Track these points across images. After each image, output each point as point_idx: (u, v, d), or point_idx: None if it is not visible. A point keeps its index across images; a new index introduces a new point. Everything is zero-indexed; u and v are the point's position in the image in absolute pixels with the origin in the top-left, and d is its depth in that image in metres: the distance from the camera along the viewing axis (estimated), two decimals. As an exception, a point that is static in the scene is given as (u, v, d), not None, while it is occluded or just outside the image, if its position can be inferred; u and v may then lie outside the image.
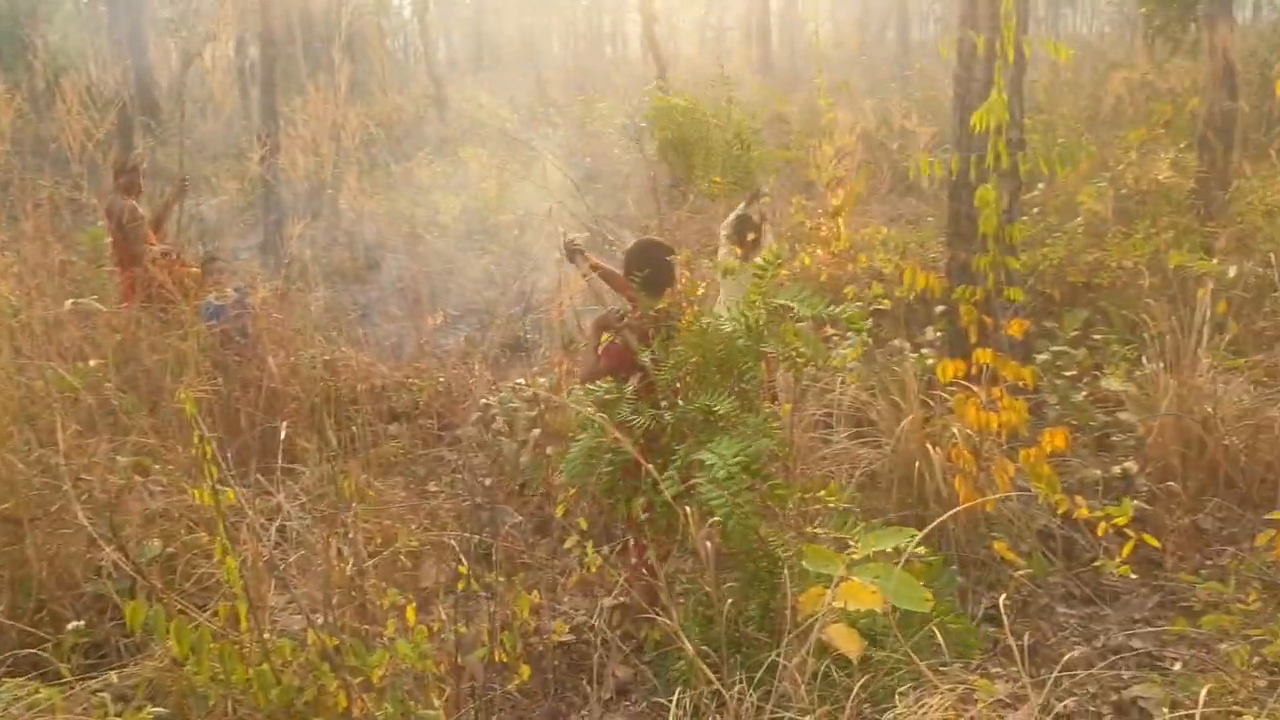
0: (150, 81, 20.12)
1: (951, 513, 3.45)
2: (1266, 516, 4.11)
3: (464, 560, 3.59)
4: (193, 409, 2.85)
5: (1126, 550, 3.63)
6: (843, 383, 5.52)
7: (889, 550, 2.78)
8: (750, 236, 6.37)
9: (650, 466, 3.35)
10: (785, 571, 3.11)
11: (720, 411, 3.52)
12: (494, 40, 41.59)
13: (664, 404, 3.82)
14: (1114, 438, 5.68)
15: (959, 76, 5.96)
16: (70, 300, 6.50)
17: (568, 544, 4.08)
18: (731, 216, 6.68)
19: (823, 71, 7.70)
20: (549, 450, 5.54)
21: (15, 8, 20.55)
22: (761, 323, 3.61)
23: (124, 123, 14.15)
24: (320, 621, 3.15)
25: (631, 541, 4.28)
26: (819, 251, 8.93)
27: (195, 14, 30.18)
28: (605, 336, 4.35)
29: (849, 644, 2.57)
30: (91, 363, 5.59)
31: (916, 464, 4.78)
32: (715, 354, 3.65)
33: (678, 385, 3.87)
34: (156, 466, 4.88)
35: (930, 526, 2.78)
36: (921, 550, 3.00)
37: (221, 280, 7.09)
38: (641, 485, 3.66)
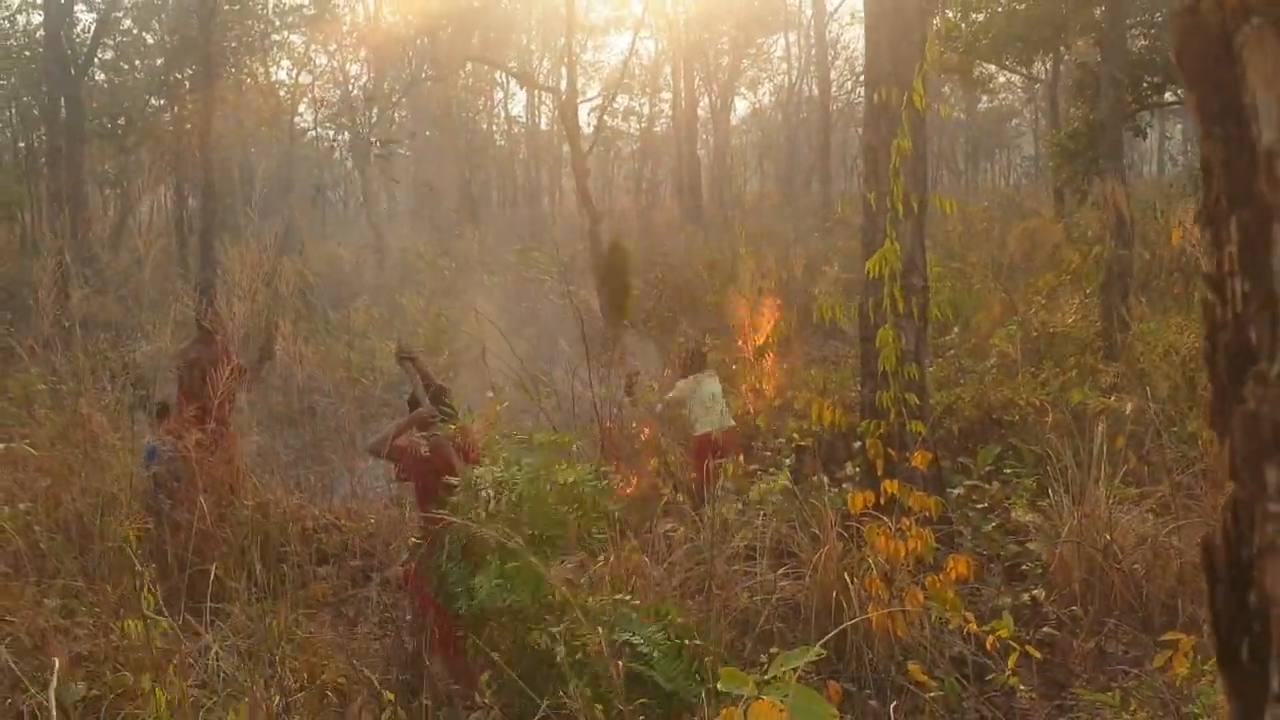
0: (87, 231, 20.32)
1: (850, 621, 3.61)
2: (1162, 639, 4.32)
3: (390, 693, 3.66)
4: (131, 541, 2.96)
5: (1012, 661, 3.83)
6: (764, 516, 5.72)
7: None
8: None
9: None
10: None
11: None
12: (433, 192, 42.51)
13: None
14: (1024, 567, 5.92)
15: (864, 228, 6.38)
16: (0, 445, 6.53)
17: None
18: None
19: (745, 222, 8.09)
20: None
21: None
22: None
23: (61, 272, 14.26)
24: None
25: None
26: (749, 395, 9.27)
27: (135, 166, 30.65)
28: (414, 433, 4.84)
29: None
30: (21, 506, 5.62)
31: (834, 593, 4.96)
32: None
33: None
34: (83, 608, 4.88)
35: (829, 635, 2.95)
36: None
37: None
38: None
